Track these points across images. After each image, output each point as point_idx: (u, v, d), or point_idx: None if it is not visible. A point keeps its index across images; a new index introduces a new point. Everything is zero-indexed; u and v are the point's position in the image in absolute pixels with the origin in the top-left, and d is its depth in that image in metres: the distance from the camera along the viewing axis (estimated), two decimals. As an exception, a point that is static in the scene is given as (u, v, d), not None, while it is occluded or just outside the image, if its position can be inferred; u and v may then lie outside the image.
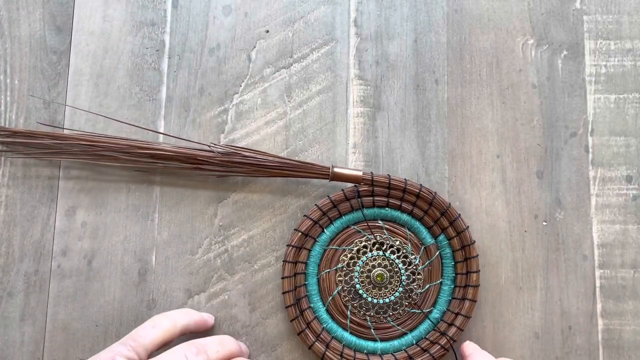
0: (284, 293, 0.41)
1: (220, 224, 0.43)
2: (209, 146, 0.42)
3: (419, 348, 0.41)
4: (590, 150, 0.44)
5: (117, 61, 0.45)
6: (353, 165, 0.44)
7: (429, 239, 0.42)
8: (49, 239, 0.43)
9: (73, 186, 0.43)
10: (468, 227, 0.41)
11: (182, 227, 0.43)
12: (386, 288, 0.42)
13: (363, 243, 0.42)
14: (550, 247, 0.43)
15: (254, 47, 0.45)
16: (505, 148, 0.44)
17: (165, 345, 0.38)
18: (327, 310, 0.42)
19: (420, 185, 0.41)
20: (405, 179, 0.42)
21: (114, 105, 0.44)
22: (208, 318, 0.41)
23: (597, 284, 0.42)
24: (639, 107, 0.44)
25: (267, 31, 0.45)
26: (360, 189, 0.41)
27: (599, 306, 0.42)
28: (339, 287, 0.42)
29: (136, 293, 0.42)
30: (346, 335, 0.41)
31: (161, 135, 0.44)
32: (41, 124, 0.44)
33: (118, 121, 0.44)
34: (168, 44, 0.45)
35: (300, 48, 0.45)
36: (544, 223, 0.43)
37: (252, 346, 0.42)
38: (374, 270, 0.42)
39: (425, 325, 0.41)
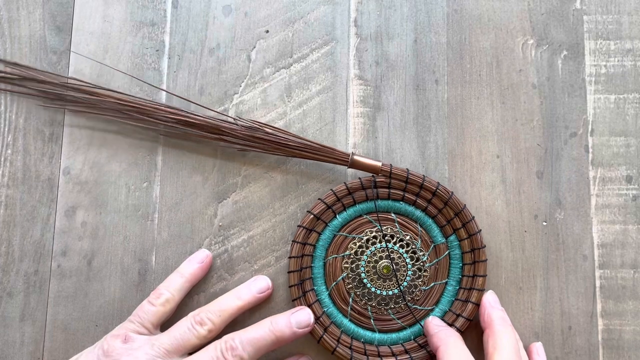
0: (289, 272, 0.41)
1: (220, 224, 0.43)
2: (233, 119, 0.43)
3: (416, 344, 0.41)
4: (590, 150, 0.44)
5: (117, 61, 0.45)
6: (353, 165, 0.44)
7: (440, 238, 0.42)
8: (48, 239, 0.43)
9: (73, 186, 0.43)
10: (480, 230, 0.41)
11: (182, 227, 0.43)
12: (391, 281, 0.42)
13: (373, 233, 0.42)
14: (550, 247, 0.43)
15: (254, 47, 0.45)
16: (505, 148, 0.44)
17: (169, 315, 0.40)
18: (330, 295, 0.42)
19: (438, 183, 0.42)
20: (423, 175, 0.42)
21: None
22: (199, 262, 0.42)
23: (597, 284, 0.42)
24: (639, 107, 0.44)
25: (267, 31, 0.45)
26: (377, 180, 0.41)
27: (599, 306, 0.42)
28: (344, 274, 0.42)
29: (136, 293, 0.42)
30: (345, 322, 0.42)
31: (194, 105, 0.44)
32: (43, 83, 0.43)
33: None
34: (168, 44, 0.45)
35: (300, 48, 0.45)
36: (544, 223, 0.43)
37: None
38: (381, 262, 0.42)
39: (425, 324, 0.42)
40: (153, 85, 0.44)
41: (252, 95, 0.45)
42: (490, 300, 0.40)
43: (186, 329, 0.38)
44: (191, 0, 0.45)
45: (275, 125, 0.44)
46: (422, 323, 0.41)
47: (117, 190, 0.44)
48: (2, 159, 0.44)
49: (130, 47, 0.45)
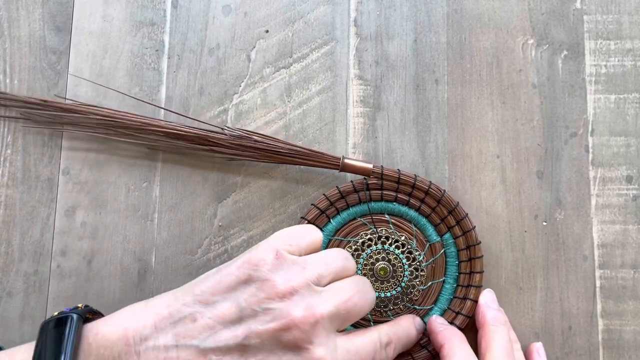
0: None
1: (220, 224, 0.43)
2: (221, 129, 0.42)
3: (417, 344, 0.41)
4: (590, 150, 0.44)
5: (116, 61, 0.45)
6: (353, 165, 0.44)
7: (435, 237, 0.42)
8: (48, 239, 0.43)
9: (73, 186, 0.43)
10: (475, 227, 0.41)
11: (182, 228, 0.43)
12: (388, 282, 0.42)
13: (368, 236, 0.42)
14: (550, 247, 0.43)
15: (254, 47, 0.45)
16: (505, 148, 0.44)
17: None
18: None
19: (430, 182, 0.41)
20: (415, 175, 0.41)
21: (114, 105, 0.44)
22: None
23: (597, 284, 0.42)
24: (639, 107, 0.44)
25: (267, 31, 0.45)
26: (369, 182, 0.41)
27: (599, 306, 0.42)
28: None
29: (136, 293, 0.42)
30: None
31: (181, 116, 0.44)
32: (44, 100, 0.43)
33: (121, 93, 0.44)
34: (167, 44, 0.45)
35: (300, 48, 0.45)
36: (544, 223, 0.43)
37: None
38: (378, 264, 0.42)
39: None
40: (139, 99, 0.44)
41: (251, 95, 0.45)
42: (486, 300, 0.40)
43: (371, 343, 0.36)
44: (191, 0, 0.45)
45: (275, 125, 0.44)
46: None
47: (116, 190, 0.43)
48: (2, 159, 0.44)
49: (129, 47, 0.45)
